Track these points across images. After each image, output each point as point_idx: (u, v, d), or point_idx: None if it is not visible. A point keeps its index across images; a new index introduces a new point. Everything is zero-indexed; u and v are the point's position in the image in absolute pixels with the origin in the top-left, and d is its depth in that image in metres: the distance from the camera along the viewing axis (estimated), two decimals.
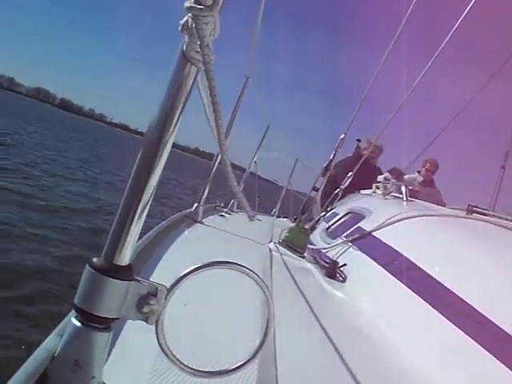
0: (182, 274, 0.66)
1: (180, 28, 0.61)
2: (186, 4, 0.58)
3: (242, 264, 0.69)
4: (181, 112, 0.66)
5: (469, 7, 3.65)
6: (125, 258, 0.66)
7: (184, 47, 0.63)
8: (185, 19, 0.60)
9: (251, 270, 0.68)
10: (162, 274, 1.41)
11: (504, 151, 5.24)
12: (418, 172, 5.66)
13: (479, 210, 2.44)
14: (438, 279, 1.73)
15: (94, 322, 0.64)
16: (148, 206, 0.67)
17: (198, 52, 0.61)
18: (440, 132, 5.76)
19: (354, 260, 2.59)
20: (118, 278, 0.64)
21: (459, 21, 3.80)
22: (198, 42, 0.58)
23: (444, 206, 3.70)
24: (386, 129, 4.10)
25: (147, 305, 0.65)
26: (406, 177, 5.54)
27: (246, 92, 3.15)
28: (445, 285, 1.66)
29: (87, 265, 0.65)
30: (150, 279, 0.69)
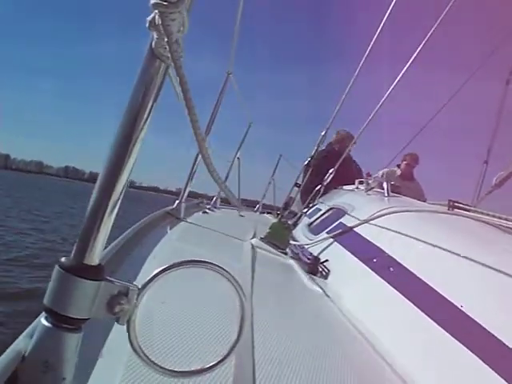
0: (153, 274, 0.66)
1: (147, 25, 0.60)
2: (152, 1, 0.58)
3: (215, 263, 0.68)
4: (151, 109, 0.65)
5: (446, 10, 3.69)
6: (95, 257, 0.65)
7: (153, 44, 0.62)
8: (151, 16, 0.60)
9: (224, 269, 0.68)
10: (140, 272, 1.40)
11: (487, 146, 5.28)
12: (398, 166, 5.72)
13: (460, 205, 2.46)
14: (417, 275, 1.74)
15: (63, 322, 0.63)
16: (118, 205, 0.66)
17: (166, 48, 0.61)
18: (422, 128, 5.83)
19: (335, 256, 2.60)
20: (87, 278, 0.63)
21: (438, 21, 3.84)
22: (166, 39, 0.58)
23: (425, 200, 3.73)
24: (368, 126, 4.12)
25: (118, 305, 0.64)
26: (384, 170, 5.60)
27: (226, 88, 3.15)
28: (425, 280, 1.67)
29: (57, 265, 0.64)
30: (129, 277, 0.68)
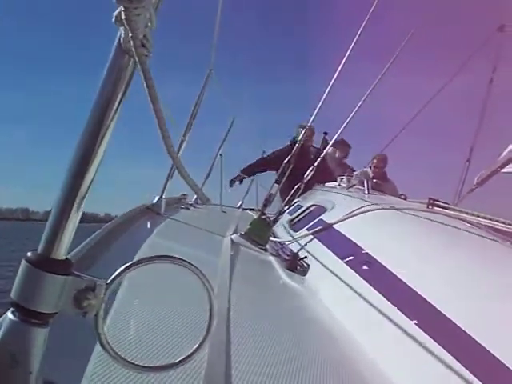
0: (120, 269, 0.66)
1: (113, 20, 0.60)
2: None
3: (183, 258, 0.68)
4: (119, 104, 0.65)
5: None
6: (61, 252, 0.64)
7: (121, 39, 0.62)
8: (117, 11, 0.59)
9: (192, 264, 0.68)
10: (115, 268, 1.39)
11: (469, 144, 5.31)
12: (370, 167, 5.78)
13: (440, 203, 2.48)
14: (395, 273, 1.75)
15: (30, 316, 0.63)
16: (85, 200, 0.66)
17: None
18: (404, 127, 5.88)
19: (314, 253, 2.61)
20: (54, 273, 0.63)
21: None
22: (131, 34, 0.58)
23: (405, 199, 3.77)
24: (347, 126, 4.16)
25: (85, 299, 0.64)
26: (359, 171, 5.67)
27: (208, 85, 3.15)
28: (401, 278, 1.68)
29: (23, 259, 0.64)
30: (103, 272, 0.68)
